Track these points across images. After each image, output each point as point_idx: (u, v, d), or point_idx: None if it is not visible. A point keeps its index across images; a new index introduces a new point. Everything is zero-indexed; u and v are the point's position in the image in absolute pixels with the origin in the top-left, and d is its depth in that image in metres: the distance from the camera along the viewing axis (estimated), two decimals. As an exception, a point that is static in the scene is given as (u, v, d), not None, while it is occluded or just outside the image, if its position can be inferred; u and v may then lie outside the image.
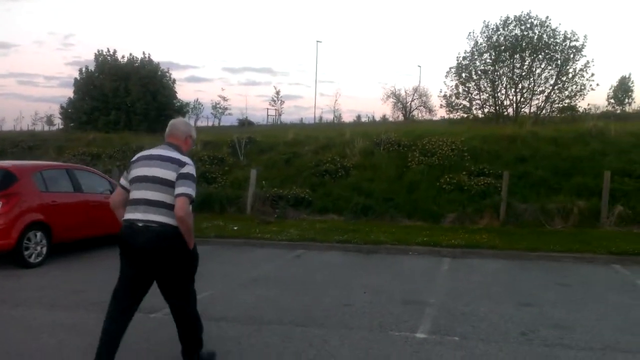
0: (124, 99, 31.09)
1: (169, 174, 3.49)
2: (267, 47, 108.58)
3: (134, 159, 3.72)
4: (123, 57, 33.51)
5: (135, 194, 3.56)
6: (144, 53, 36.67)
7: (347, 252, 9.32)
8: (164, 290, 3.73)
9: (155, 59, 36.27)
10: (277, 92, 54.14)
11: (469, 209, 11.68)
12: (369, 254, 9.17)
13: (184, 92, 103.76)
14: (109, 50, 33.57)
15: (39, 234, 7.78)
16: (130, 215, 3.54)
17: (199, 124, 50.51)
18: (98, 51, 33.51)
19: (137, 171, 3.60)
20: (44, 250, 7.87)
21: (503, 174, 11.62)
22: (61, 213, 8.25)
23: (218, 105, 53.30)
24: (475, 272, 7.77)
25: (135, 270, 3.60)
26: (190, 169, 3.54)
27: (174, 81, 34.19)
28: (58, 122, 30.38)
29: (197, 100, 57.72)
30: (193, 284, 3.82)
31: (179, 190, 3.43)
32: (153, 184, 3.50)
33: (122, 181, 3.71)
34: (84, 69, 33.17)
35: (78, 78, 33.12)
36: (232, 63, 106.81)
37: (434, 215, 11.78)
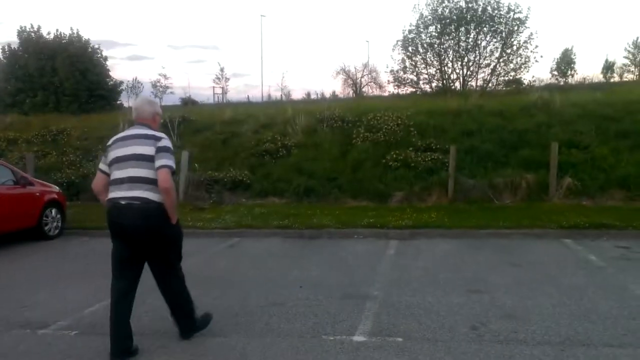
0: (51, 79, 29.08)
1: (148, 149, 3.64)
2: (212, 23, 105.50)
3: (109, 142, 3.83)
4: (49, 33, 31.34)
5: (117, 174, 3.70)
6: (71, 29, 34.38)
7: (288, 238, 8.65)
8: (153, 268, 3.92)
9: (93, 37, 34.16)
10: (222, 69, 52.43)
11: (417, 187, 11.19)
12: (311, 239, 8.53)
13: (125, 71, 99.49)
14: (32, 27, 31.30)
15: None
16: (113, 194, 3.69)
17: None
18: (21, 27, 31.20)
19: (115, 152, 3.73)
20: None
21: (450, 149, 11.17)
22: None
23: (158, 84, 51.12)
24: (423, 255, 7.27)
25: (127, 249, 3.76)
26: (166, 142, 3.73)
27: (105, 59, 32.19)
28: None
29: (136, 79, 55.27)
30: (179, 262, 4.01)
31: (159, 162, 3.61)
32: (135, 161, 3.64)
33: (102, 166, 3.85)
34: (6, 47, 30.83)
35: (1, 57, 30.73)
36: (176, 40, 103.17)
37: (381, 195, 11.22)
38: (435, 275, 6.08)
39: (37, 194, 8.91)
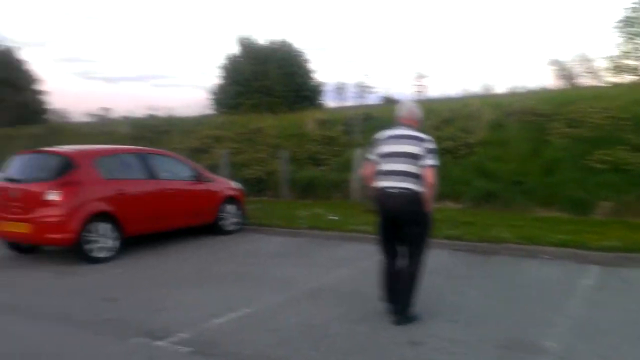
0: (264, 82, 31.20)
1: (417, 149, 4.20)
2: (409, 22, 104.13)
3: (381, 137, 4.43)
4: (263, 41, 33.68)
5: (388, 167, 4.29)
6: (281, 36, 36.60)
7: (456, 251, 7.24)
8: (403, 248, 4.39)
9: (305, 43, 35.55)
10: (420, 67, 51.10)
11: (630, 196, 8.67)
12: (484, 255, 7.00)
13: (334, 73, 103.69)
14: (250, 36, 33.96)
15: (104, 226, 6.93)
16: (384, 183, 4.29)
17: (344, 104, 49.65)
18: (241, 37, 34.06)
19: (388, 148, 4.31)
20: (113, 243, 7.02)
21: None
22: (131, 203, 7.36)
23: (362, 84, 51.89)
24: (634, 291, 5.29)
25: (390, 229, 4.39)
26: (432, 144, 4.26)
27: (309, 62, 33.46)
28: (208, 108, 31.28)
29: (341, 80, 56.90)
30: (426, 247, 4.42)
31: (428, 162, 4.17)
32: (406, 158, 4.21)
33: (372, 156, 4.44)
34: (230, 56, 33.97)
35: (226, 64, 34.01)
36: (379, 40, 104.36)
37: (580, 205, 8.94)
38: (646, 328, 4.22)
39: (216, 190, 8.94)
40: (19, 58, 35.54)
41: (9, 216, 6.75)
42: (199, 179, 8.67)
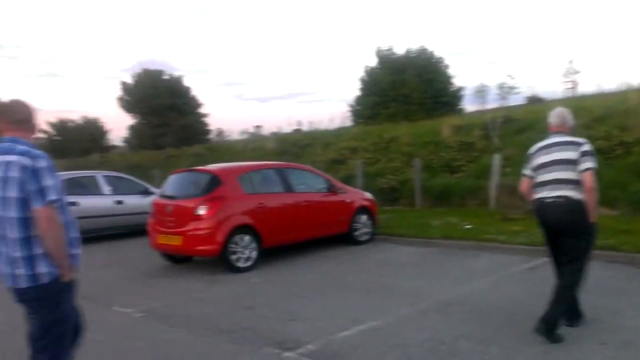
0: (401, 91, 31.05)
1: (571, 155, 4.03)
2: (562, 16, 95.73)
3: (532, 151, 4.35)
4: (401, 50, 33.59)
5: (542, 177, 4.18)
6: (419, 44, 36.16)
7: (611, 263, 6.43)
8: (562, 258, 4.20)
9: (446, 49, 34.82)
10: (570, 62, 46.67)
11: None
12: (645, 268, 6.14)
13: (478, 76, 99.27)
14: (387, 46, 34.07)
15: (246, 238, 7.41)
16: (539, 194, 4.20)
17: (485, 107, 47.41)
18: (378, 48, 34.32)
19: (542, 158, 4.19)
20: (253, 254, 7.47)
21: None
22: (270, 215, 7.78)
23: (504, 86, 49.03)
24: None
25: (549, 235, 4.30)
26: (588, 146, 4.06)
27: (447, 67, 32.59)
28: (347, 120, 32.00)
29: (483, 83, 54.35)
30: (586, 261, 4.17)
31: (584, 165, 3.97)
32: (558, 165, 4.06)
33: (527, 171, 4.37)
34: (368, 68, 34.44)
35: (364, 77, 34.54)
36: (524, 40, 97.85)
37: None
38: None
39: (348, 200, 9.07)
40: (185, 85, 40.04)
41: (165, 230, 7.54)
42: (332, 190, 8.87)
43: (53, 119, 41.53)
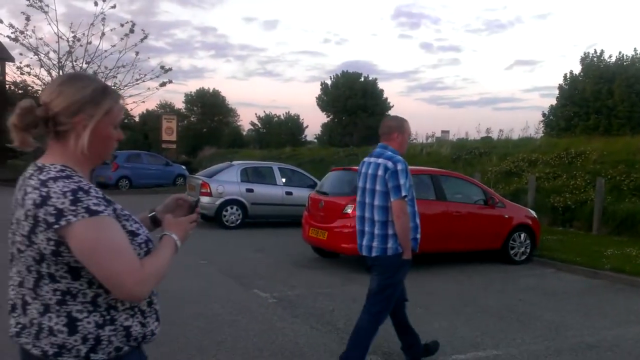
0: (605, 102, 27.29)
1: None
2: None
3: None
4: (610, 56, 29.51)
5: None
6: (635, 50, 31.22)
7: None
8: None
9: None
10: None
11: None
12: None
13: None
14: (596, 52, 30.20)
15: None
16: None
17: None
18: (584, 54, 30.67)
19: None
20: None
21: None
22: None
23: None
24: None
25: None
26: None
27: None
28: (540, 131, 29.20)
29: None
30: None
31: None
32: None
33: None
34: (568, 75, 31.03)
35: (563, 84, 31.22)
36: None
37: None
38: None
39: (506, 215, 8.32)
40: (379, 88, 41.06)
41: (315, 223, 7.83)
42: (489, 203, 8.23)
43: (262, 113, 46.19)
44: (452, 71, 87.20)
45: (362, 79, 41.30)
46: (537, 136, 26.50)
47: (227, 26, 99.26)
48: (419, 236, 3.80)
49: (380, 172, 3.62)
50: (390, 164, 3.58)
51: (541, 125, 32.51)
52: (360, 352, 3.70)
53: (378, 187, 3.63)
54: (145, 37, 11.34)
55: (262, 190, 11.27)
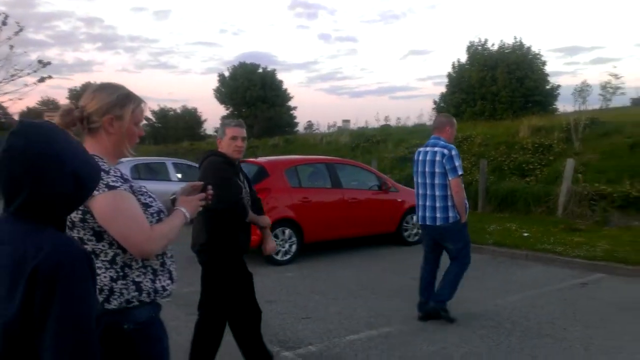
0: (489, 89, 29.53)
1: None
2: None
3: None
4: (493, 45, 31.91)
5: None
6: (515, 38, 34.09)
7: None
8: None
9: (552, 45, 32.47)
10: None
11: None
12: None
13: (587, 76, 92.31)
14: (480, 40, 32.49)
15: (287, 231, 7.41)
16: None
17: (584, 107, 43.80)
18: (470, 43, 32.86)
19: None
20: (293, 248, 7.45)
21: None
22: (313, 210, 7.70)
23: (608, 85, 45.00)
24: None
25: None
26: None
27: (543, 64, 30.41)
28: (433, 117, 31.00)
29: (585, 82, 50.25)
30: None
31: None
32: None
33: None
34: (456, 62, 33.15)
35: (451, 73, 33.27)
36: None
37: None
38: None
39: (400, 200, 8.76)
40: (277, 79, 41.02)
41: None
42: (383, 188, 8.61)
43: (157, 107, 44.35)
44: (350, 61, 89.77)
45: (261, 70, 41.06)
46: (430, 123, 28.20)
47: (114, 17, 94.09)
48: (467, 204, 4.79)
49: (438, 158, 4.55)
50: (446, 151, 4.54)
51: (433, 112, 34.64)
52: (452, 290, 4.78)
53: (437, 170, 4.57)
54: (21, 30, 10.31)
55: (153, 187, 10.81)
